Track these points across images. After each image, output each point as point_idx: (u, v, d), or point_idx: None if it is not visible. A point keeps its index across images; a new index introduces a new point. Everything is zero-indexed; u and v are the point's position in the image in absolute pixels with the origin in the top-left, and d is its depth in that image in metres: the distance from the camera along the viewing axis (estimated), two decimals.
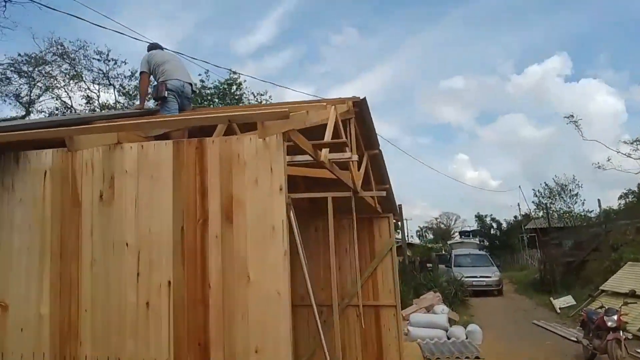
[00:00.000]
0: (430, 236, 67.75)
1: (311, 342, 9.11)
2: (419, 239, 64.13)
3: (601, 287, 15.88)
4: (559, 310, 16.84)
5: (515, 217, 51.67)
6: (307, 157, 4.79)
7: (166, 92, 6.13)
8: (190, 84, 6.58)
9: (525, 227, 41.15)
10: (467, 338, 11.60)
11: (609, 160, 27.84)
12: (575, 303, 16.68)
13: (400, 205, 27.14)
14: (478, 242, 27.50)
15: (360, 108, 6.87)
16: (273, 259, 3.49)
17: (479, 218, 59.18)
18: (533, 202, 41.40)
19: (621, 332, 9.06)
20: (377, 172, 8.39)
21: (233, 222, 3.59)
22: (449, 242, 28.05)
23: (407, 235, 63.41)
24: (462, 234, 65.39)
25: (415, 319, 12.61)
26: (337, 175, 5.62)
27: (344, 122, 6.43)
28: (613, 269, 16.54)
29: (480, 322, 14.78)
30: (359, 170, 6.81)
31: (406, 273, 22.59)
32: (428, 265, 25.55)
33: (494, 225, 57.81)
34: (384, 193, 6.93)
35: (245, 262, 3.49)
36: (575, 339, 11.32)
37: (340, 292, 9.23)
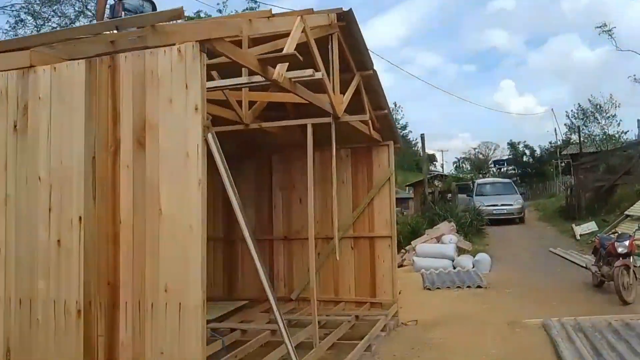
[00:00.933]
0: (468, 167, 66.41)
1: (306, 274, 8.93)
2: (456, 170, 62.81)
3: (626, 212, 15.12)
4: (578, 237, 16.25)
5: (550, 143, 49.73)
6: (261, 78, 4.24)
7: (123, 12, 5.49)
8: (152, 3, 5.91)
9: (562, 154, 39.26)
10: (473, 267, 11.26)
11: None
12: (597, 229, 15.97)
13: (422, 135, 26.25)
14: (506, 181, 26.09)
15: (346, 22, 6.15)
16: (186, 190, 3.06)
17: (512, 146, 57.42)
18: (565, 124, 39.30)
19: (632, 258, 8.50)
20: (374, 96, 7.73)
21: (145, 150, 3.16)
22: (476, 182, 26.90)
23: (442, 167, 62.98)
24: (497, 163, 63.91)
25: (422, 250, 12.32)
26: (305, 99, 5.05)
27: (323, 38, 5.77)
28: None
29: (494, 251, 14.42)
30: (342, 93, 6.19)
31: (425, 204, 22.25)
32: (448, 195, 25.01)
33: (527, 152, 56.14)
34: (366, 117, 6.32)
35: (157, 193, 3.10)
36: (584, 265, 10.82)
37: (336, 224, 8.90)
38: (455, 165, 68.30)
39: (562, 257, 13.40)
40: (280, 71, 4.15)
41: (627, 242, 8.39)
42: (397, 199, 27.34)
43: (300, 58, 3.94)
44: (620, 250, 8.31)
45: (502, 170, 60.13)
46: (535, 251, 14.78)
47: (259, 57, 3.88)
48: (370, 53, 6.99)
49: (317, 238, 8.94)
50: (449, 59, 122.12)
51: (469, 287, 9.97)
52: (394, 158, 8.85)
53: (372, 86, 7.43)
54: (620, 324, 6.73)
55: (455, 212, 18.18)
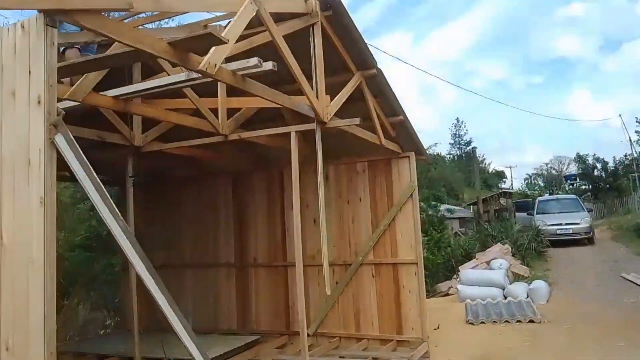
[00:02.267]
0: (540, 183, 62.62)
1: (323, 305, 7.91)
2: (527, 187, 59.27)
3: None
4: None
5: (625, 155, 45.67)
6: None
7: None
8: None
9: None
10: (527, 297, 9.74)
11: None
12: None
13: (474, 149, 24.53)
14: (571, 197, 23.52)
15: (333, 10, 5.24)
16: (27, 211, 2.22)
17: (580, 159, 53.39)
18: (637, 131, 35.71)
19: None
20: (384, 101, 6.73)
21: None
22: (537, 199, 24.55)
23: (512, 184, 59.40)
24: (568, 178, 59.92)
25: (467, 276, 10.90)
26: (267, 99, 4.15)
27: (302, 30, 4.89)
28: None
29: (555, 277, 12.71)
30: (327, 93, 5.23)
31: (479, 224, 20.56)
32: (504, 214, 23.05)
33: (598, 165, 51.94)
34: (356, 121, 5.29)
35: None
36: None
37: (354, 248, 7.88)
38: (526, 181, 64.64)
39: (637, 284, 11.50)
40: (211, 60, 3.28)
41: None
42: (460, 219, 25.80)
43: (223, 37, 3.06)
44: None
45: (575, 185, 56.13)
46: (604, 277, 12.87)
47: (172, 39, 3.02)
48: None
49: (334, 264, 7.95)
50: (517, 69, 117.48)
51: (519, 321, 8.52)
52: (415, 171, 7.71)
53: (379, 88, 6.44)
54: None
55: (511, 232, 16.45)
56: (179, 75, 3.81)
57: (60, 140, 2.30)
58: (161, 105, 5.47)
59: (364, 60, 5.97)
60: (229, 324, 8.62)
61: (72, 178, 2.64)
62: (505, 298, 9.87)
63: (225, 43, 3.11)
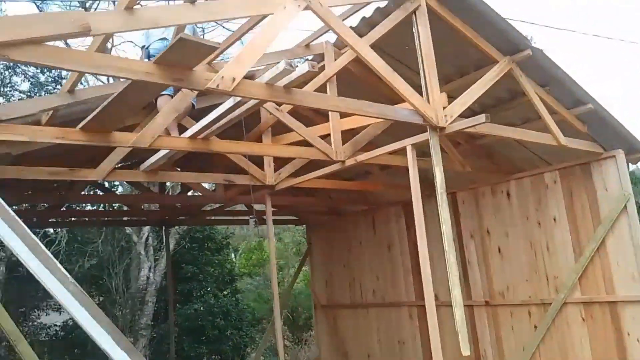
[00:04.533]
0: None
1: (522, 355, 6.29)
2: None
3: None
4: None
5: None
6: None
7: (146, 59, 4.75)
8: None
9: None
10: None
11: None
12: None
13: None
14: None
15: None
16: None
17: None
18: None
19: None
20: (557, 88, 5.12)
21: None
22: None
23: None
24: None
25: None
26: (338, 110, 3.35)
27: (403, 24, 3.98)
28: None
29: None
30: (421, 89, 4.07)
31: None
32: None
33: None
34: (481, 119, 3.85)
35: None
36: None
37: (553, 283, 6.11)
38: None
39: None
40: (225, 74, 2.70)
41: None
42: None
43: (216, 44, 2.45)
44: None
45: None
46: None
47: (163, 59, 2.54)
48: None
49: (529, 304, 6.32)
50: None
51: None
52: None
53: (544, 73, 4.90)
54: None
55: None
56: (227, 102, 3.35)
57: None
58: (280, 140, 5.15)
59: (509, 41, 4.60)
60: None
61: None
62: None
63: (215, 48, 2.51)
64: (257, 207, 8.94)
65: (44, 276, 2.05)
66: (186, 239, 11.51)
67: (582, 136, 5.53)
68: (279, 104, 4.52)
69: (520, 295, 6.43)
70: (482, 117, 3.75)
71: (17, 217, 2.11)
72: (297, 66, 2.85)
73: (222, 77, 2.72)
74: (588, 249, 5.73)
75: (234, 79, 2.76)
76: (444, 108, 3.97)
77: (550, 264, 6.17)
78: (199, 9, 2.67)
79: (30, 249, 2.08)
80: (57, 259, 7.84)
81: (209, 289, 12.01)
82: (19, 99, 9.69)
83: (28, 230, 2.12)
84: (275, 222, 6.34)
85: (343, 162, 4.82)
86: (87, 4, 10.91)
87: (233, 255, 16.56)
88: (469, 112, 4.46)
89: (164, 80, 2.57)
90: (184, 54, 2.49)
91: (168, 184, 9.74)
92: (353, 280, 8.92)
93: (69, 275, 2.11)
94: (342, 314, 9.23)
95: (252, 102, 3.35)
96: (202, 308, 11.16)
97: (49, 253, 2.14)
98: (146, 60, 4.34)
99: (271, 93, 2.97)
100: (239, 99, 3.22)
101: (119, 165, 5.14)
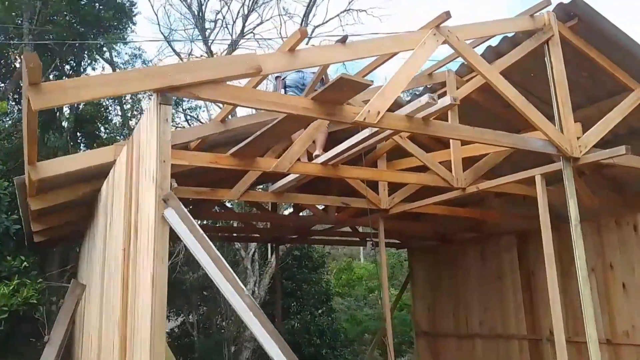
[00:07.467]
0: None
1: None
2: None
3: None
4: None
5: None
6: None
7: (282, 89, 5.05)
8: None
9: None
10: None
11: None
12: None
13: None
14: None
15: (580, 17, 4.10)
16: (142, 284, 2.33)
17: None
18: None
19: None
20: None
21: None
22: None
23: None
24: None
25: None
26: (473, 141, 3.42)
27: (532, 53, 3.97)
28: None
29: None
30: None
31: None
32: None
33: None
34: (621, 150, 3.66)
35: None
36: None
37: None
38: None
39: None
40: (372, 108, 2.89)
41: None
42: None
43: (369, 82, 2.64)
44: None
45: None
46: None
47: (317, 94, 2.78)
48: None
49: None
50: None
51: None
52: None
53: None
54: None
55: None
56: (363, 132, 3.53)
57: (170, 214, 2.32)
58: (395, 165, 5.27)
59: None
60: None
61: None
62: None
63: (369, 85, 2.70)
64: (360, 229, 9.09)
65: (226, 291, 2.33)
66: (289, 256, 11.89)
67: None
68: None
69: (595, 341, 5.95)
70: (622, 149, 3.62)
71: (204, 235, 2.41)
72: (439, 100, 2.97)
73: (369, 110, 2.91)
74: None
75: (378, 112, 2.94)
76: (578, 138, 3.88)
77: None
78: (349, 48, 2.90)
79: (214, 262, 2.37)
80: (175, 270, 8.40)
81: (305, 306, 12.27)
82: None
83: (211, 244, 2.43)
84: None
85: (464, 189, 4.83)
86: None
87: (329, 275, 16.78)
88: (600, 142, 4.32)
89: (318, 114, 2.81)
90: (342, 91, 2.71)
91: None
92: (458, 309, 8.72)
93: (244, 288, 2.37)
94: (445, 343, 9.03)
95: (387, 132, 3.52)
96: (297, 325, 11.41)
97: (229, 269, 2.42)
98: (282, 90, 4.70)
99: (411, 125, 3.12)
100: (375, 129, 3.40)
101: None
